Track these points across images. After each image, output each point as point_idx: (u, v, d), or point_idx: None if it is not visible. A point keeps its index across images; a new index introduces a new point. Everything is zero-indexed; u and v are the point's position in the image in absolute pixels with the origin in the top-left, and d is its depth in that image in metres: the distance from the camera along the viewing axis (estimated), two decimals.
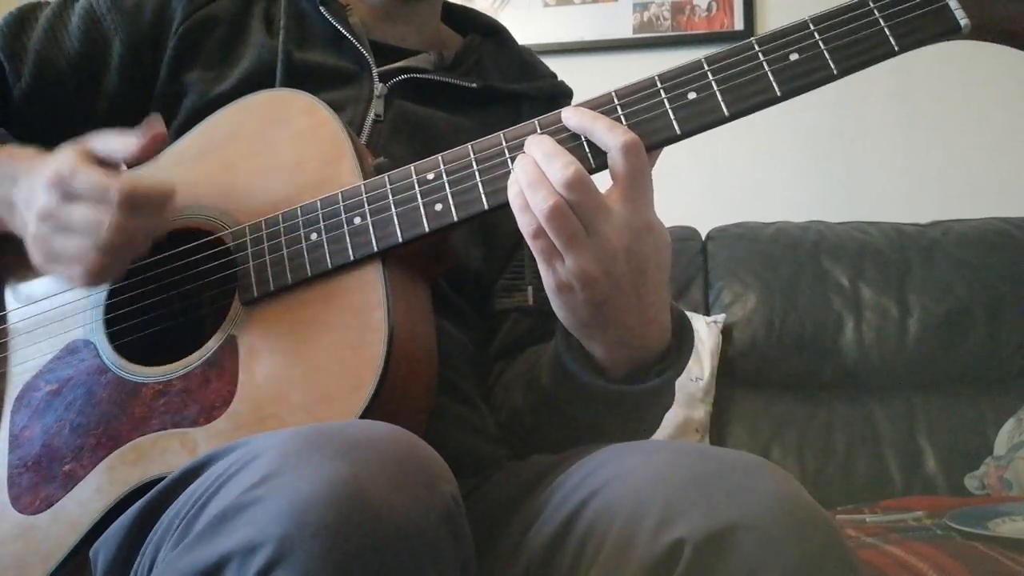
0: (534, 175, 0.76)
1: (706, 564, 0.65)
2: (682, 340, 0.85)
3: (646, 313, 0.79)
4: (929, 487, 1.89)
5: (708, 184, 2.35)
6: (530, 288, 1.01)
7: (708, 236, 2.17)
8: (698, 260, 2.12)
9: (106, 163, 0.82)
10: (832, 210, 2.24)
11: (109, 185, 0.78)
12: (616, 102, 0.79)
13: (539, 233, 0.75)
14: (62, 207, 0.80)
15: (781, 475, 0.70)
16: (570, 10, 2.52)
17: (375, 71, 1.00)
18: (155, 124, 0.84)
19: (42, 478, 0.85)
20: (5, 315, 0.93)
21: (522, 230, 0.77)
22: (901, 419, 1.97)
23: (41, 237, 0.81)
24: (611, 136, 0.76)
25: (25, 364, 0.91)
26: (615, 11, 2.50)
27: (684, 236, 2.15)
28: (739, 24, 2.43)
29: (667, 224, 2.51)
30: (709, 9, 2.45)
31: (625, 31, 2.49)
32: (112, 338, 0.88)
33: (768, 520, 0.65)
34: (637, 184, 0.76)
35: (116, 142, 0.83)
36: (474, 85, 1.03)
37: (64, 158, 0.81)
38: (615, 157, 0.76)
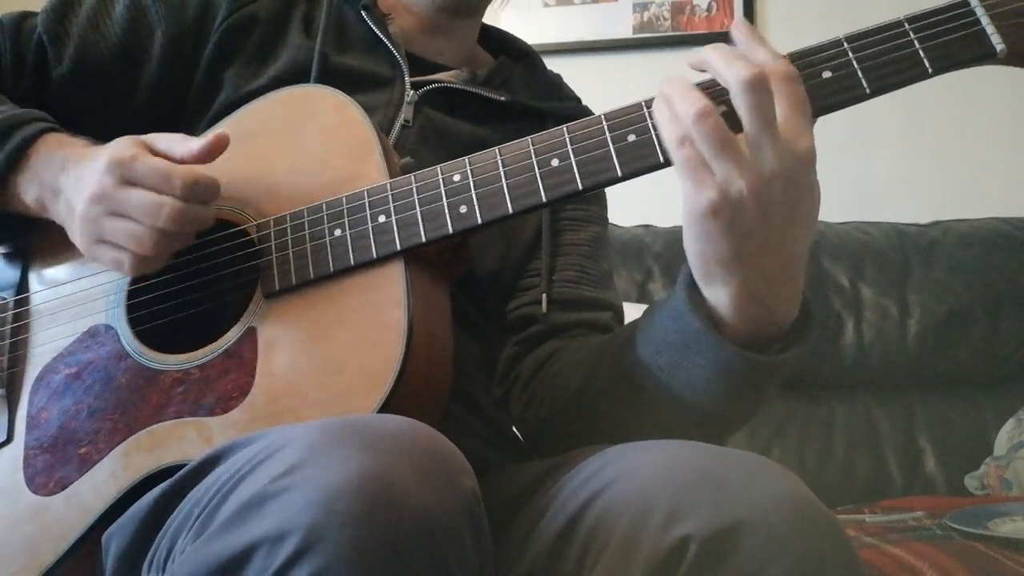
0: (686, 86, 0.73)
1: (711, 561, 0.65)
2: (808, 321, 0.80)
3: (787, 266, 0.75)
4: (929, 487, 1.89)
5: None
6: (544, 296, 1.00)
7: None
8: None
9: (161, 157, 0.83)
10: (832, 210, 2.23)
11: (172, 171, 0.80)
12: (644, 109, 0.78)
13: (685, 140, 0.71)
14: (118, 190, 0.81)
15: (786, 475, 0.70)
16: (570, 10, 2.52)
17: (407, 78, 1.00)
18: (222, 135, 0.84)
19: (57, 460, 0.86)
20: (28, 296, 0.94)
21: (666, 143, 0.73)
22: (901, 419, 1.97)
23: (91, 219, 0.82)
24: (732, 73, 0.71)
25: (45, 346, 0.91)
26: (615, 11, 2.50)
27: None
28: None
29: (668, 224, 2.49)
30: (709, 9, 2.45)
31: (625, 31, 2.49)
32: (133, 324, 0.88)
33: (774, 519, 0.65)
34: (799, 113, 0.72)
35: (176, 142, 0.84)
36: (502, 98, 1.03)
37: (123, 145, 0.83)
38: (738, 94, 0.71)
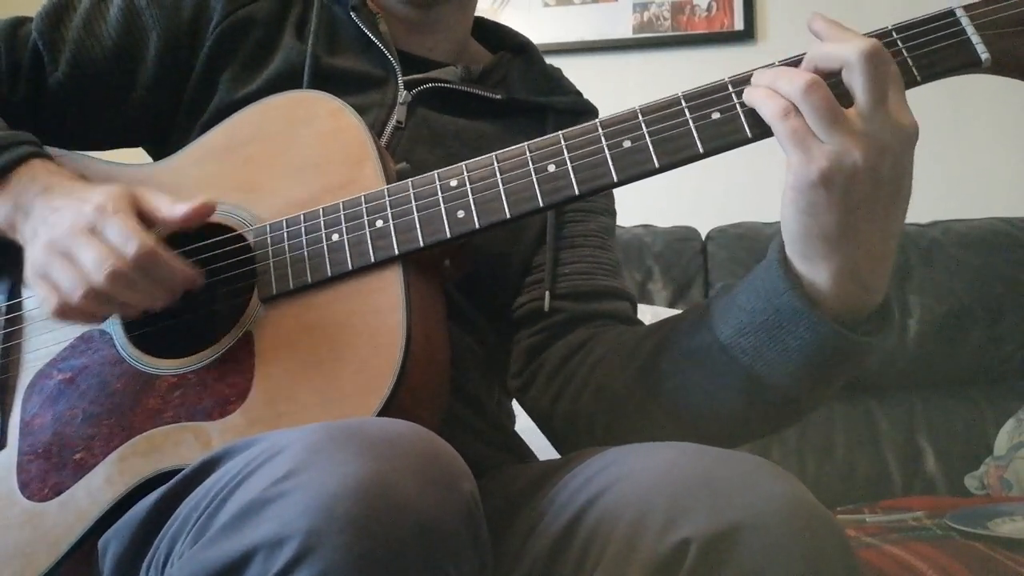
0: (785, 67, 0.74)
1: (711, 564, 0.65)
2: (887, 311, 0.78)
3: (887, 242, 0.74)
4: (929, 487, 1.89)
5: (708, 184, 2.35)
6: (547, 293, 0.99)
7: (708, 236, 2.17)
8: (698, 260, 2.12)
9: (146, 217, 0.82)
10: None
11: (133, 237, 0.78)
12: (641, 117, 0.78)
13: (789, 112, 0.71)
14: (81, 235, 0.79)
15: (785, 476, 0.70)
16: (570, 10, 2.52)
17: (400, 78, 1.00)
18: (208, 203, 0.83)
19: (52, 466, 0.86)
20: (20, 302, 0.94)
21: (768, 118, 0.73)
22: (901, 419, 1.97)
23: (49, 249, 0.81)
24: (849, 47, 0.72)
25: (38, 352, 0.91)
26: (615, 11, 2.50)
27: (684, 236, 2.14)
28: (739, 24, 2.43)
29: (667, 224, 2.48)
30: (709, 9, 2.45)
31: (625, 31, 2.49)
32: (127, 329, 0.88)
33: (773, 521, 0.66)
34: (899, 89, 0.73)
35: (164, 203, 0.82)
36: (499, 96, 1.03)
37: (112, 195, 0.81)
38: (857, 66, 0.71)
